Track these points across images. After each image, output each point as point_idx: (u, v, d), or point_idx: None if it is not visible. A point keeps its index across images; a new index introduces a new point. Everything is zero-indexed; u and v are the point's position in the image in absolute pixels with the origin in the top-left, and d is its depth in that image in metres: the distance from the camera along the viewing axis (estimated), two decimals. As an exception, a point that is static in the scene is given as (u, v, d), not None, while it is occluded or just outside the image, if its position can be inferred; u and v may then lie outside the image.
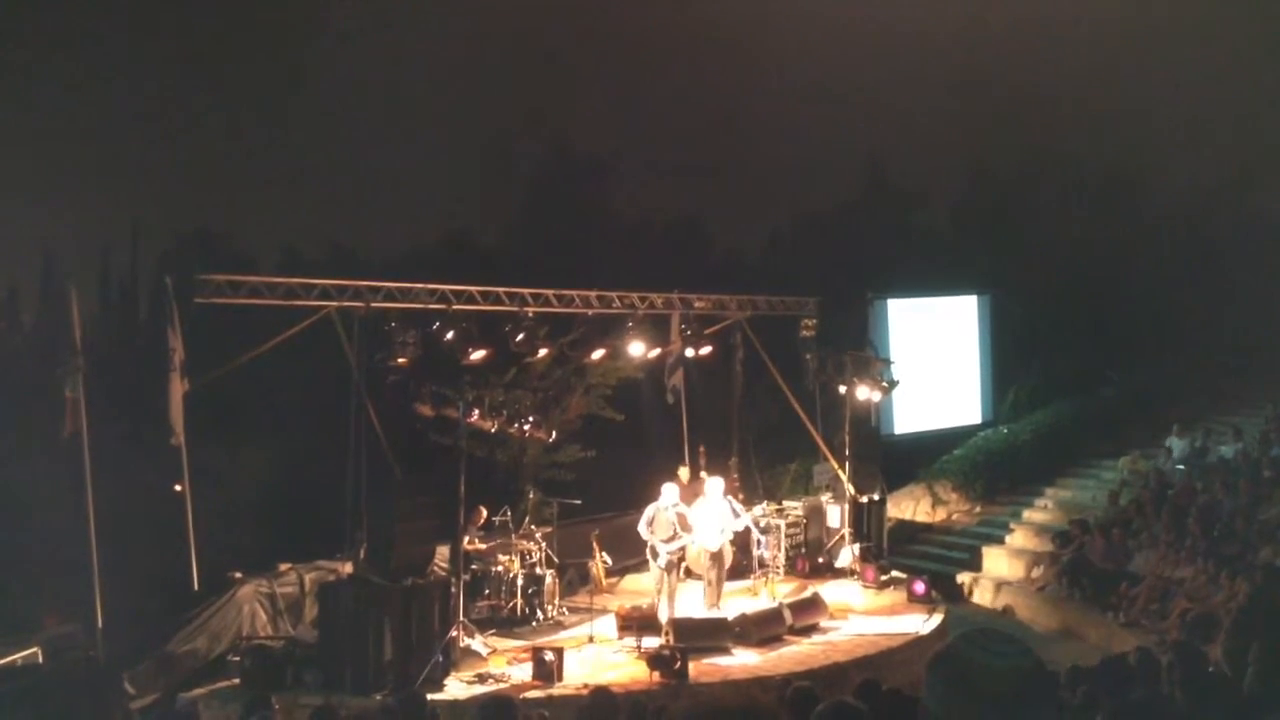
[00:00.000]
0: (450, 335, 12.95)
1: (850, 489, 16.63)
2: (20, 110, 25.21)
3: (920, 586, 14.68)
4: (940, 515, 20.77)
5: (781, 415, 18.03)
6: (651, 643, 12.02)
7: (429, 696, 9.29)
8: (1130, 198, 26.63)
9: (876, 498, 16.89)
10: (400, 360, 12.50)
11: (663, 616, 12.75)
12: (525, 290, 14.20)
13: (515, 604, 13.54)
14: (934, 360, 21.29)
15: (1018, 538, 18.78)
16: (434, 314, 13.06)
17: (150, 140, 29.54)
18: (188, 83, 30.49)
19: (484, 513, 14.14)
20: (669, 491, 13.44)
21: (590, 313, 14.91)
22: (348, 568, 12.26)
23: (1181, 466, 17.99)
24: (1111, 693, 6.22)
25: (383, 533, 11.72)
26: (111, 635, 11.32)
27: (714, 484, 14.02)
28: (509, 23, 32.23)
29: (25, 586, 14.19)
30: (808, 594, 14.13)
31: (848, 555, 16.11)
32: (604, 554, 15.27)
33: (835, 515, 16.68)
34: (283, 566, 13.03)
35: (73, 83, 27.53)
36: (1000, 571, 17.94)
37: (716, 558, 13.76)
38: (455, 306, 13.24)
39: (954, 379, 22.04)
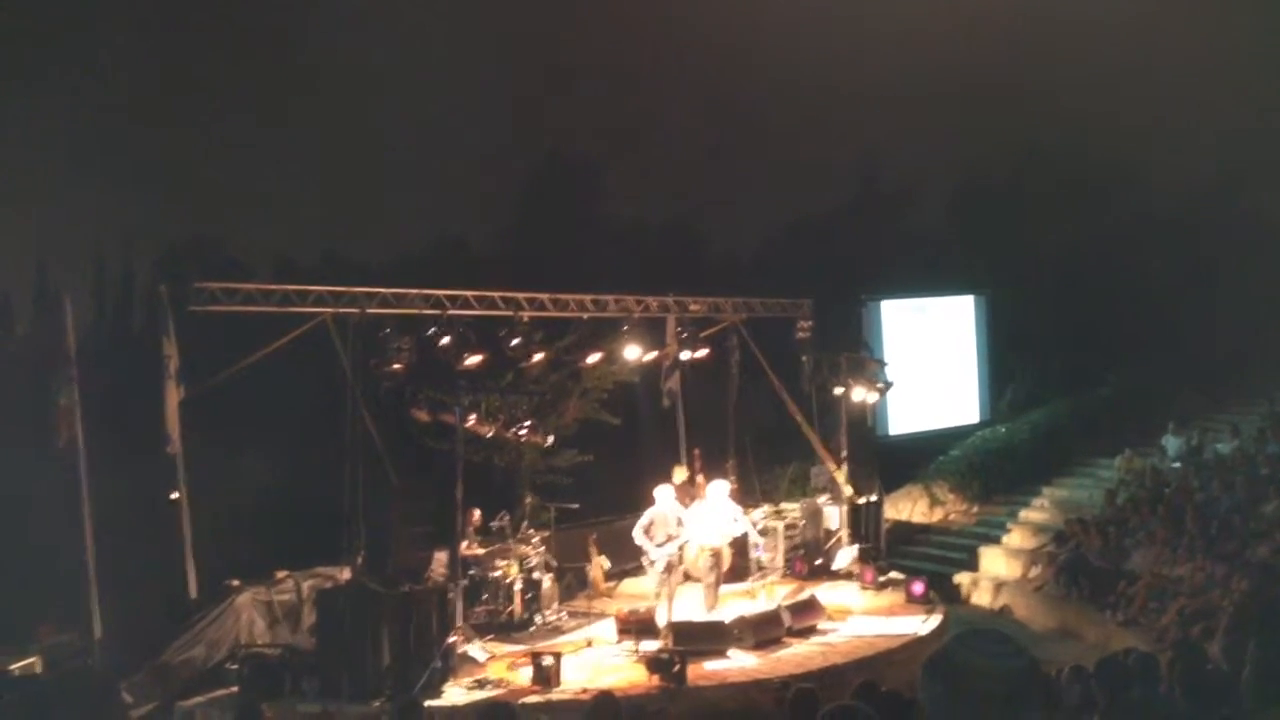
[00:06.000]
0: (446, 340, 12.93)
1: (848, 490, 16.63)
2: (12, 118, 25.14)
3: (918, 587, 14.67)
4: (938, 516, 20.78)
5: (778, 417, 18.01)
6: (650, 646, 12.02)
7: (428, 703, 9.30)
8: (1124, 197, 26.66)
9: (874, 499, 16.89)
10: (396, 366, 12.50)
11: (661, 620, 12.74)
12: (520, 294, 14.18)
13: (513, 609, 13.52)
14: (930, 361, 21.32)
15: (1015, 537, 18.80)
16: (429, 319, 13.03)
17: (143, 147, 29.47)
18: (179, 90, 30.46)
19: (477, 515, 14.13)
20: (664, 494, 13.44)
21: (585, 316, 14.91)
22: (345, 574, 12.25)
23: (1178, 464, 18.02)
24: (1109, 692, 6.21)
25: (380, 539, 11.74)
26: (109, 644, 11.32)
27: (719, 486, 14.04)
28: (501, 28, 32.25)
29: (22, 596, 14.15)
30: (805, 596, 14.11)
31: (846, 557, 16.10)
32: (602, 557, 15.29)
33: (833, 517, 16.67)
34: (280, 574, 13.01)
35: (64, 91, 27.47)
36: (998, 571, 17.96)
37: (715, 558, 13.76)
38: (450, 312, 13.22)
39: (950, 379, 22.05)
